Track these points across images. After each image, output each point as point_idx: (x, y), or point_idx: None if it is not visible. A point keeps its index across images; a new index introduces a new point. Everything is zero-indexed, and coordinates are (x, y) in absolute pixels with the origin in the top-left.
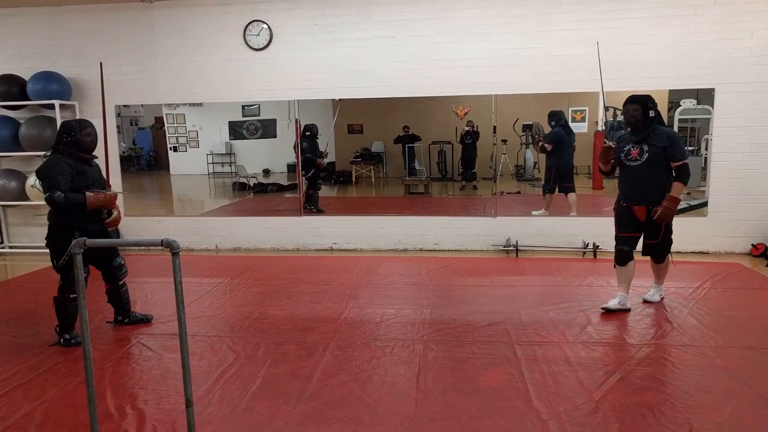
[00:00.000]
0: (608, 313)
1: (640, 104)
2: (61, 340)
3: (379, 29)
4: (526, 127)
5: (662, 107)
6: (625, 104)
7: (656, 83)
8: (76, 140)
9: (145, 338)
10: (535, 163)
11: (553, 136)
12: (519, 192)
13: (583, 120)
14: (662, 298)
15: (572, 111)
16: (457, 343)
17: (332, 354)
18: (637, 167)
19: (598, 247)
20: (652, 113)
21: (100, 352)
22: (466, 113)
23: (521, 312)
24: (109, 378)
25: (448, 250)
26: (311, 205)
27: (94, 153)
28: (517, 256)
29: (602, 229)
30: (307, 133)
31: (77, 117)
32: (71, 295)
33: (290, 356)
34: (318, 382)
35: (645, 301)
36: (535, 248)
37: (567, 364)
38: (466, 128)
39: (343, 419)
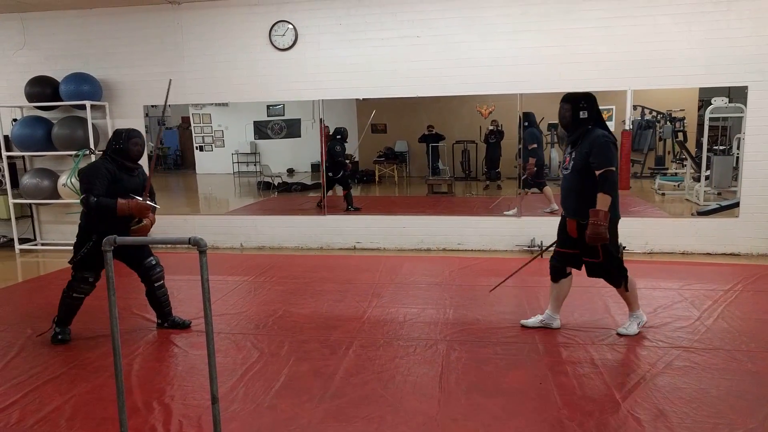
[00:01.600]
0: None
1: (569, 103)
2: (51, 333)
3: (403, 29)
4: (552, 127)
5: (692, 105)
6: (560, 102)
7: (686, 81)
8: (122, 148)
9: (171, 335)
10: (561, 163)
11: (533, 136)
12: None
13: (609, 119)
14: (641, 326)
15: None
16: (480, 344)
17: (355, 353)
18: (566, 176)
19: (624, 248)
20: (583, 114)
21: (127, 348)
22: (490, 112)
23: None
24: (136, 373)
25: (472, 250)
26: (348, 205)
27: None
28: (542, 257)
29: (628, 230)
30: (338, 136)
31: (107, 117)
32: (75, 294)
33: (313, 354)
34: (341, 381)
35: (619, 335)
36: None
37: (593, 366)
38: (491, 127)
39: (365, 418)
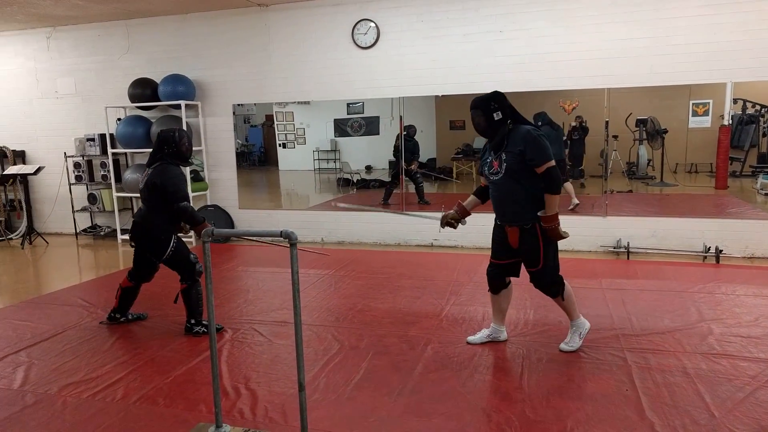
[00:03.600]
0: (472, 345)
1: (479, 109)
2: (202, 329)
3: (486, 24)
4: (640, 122)
5: None
6: (470, 110)
7: None
8: (176, 151)
9: (256, 325)
10: (649, 161)
11: (548, 135)
12: (631, 191)
13: (705, 114)
14: (584, 336)
15: (693, 104)
16: None
17: (433, 349)
18: (498, 181)
19: (721, 251)
20: (497, 115)
21: (217, 336)
22: (574, 108)
23: (632, 317)
24: (225, 360)
25: None
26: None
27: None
28: (628, 258)
29: (726, 232)
30: (404, 133)
31: (199, 116)
32: (198, 280)
33: (392, 349)
34: (419, 377)
35: (562, 351)
36: (648, 251)
37: (684, 375)
38: (574, 124)
39: (444, 414)
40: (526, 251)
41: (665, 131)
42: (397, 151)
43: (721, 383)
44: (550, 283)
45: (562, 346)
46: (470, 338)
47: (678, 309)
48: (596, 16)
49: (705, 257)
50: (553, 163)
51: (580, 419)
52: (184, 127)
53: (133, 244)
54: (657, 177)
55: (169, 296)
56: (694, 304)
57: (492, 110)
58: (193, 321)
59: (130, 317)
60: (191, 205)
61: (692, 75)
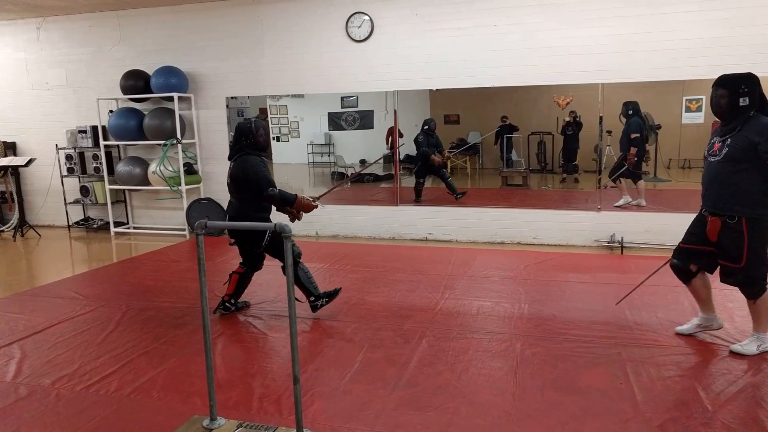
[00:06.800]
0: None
1: (726, 90)
2: (323, 301)
3: (480, 18)
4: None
5: None
6: (712, 86)
7: None
8: (254, 141)
9: (251, 318)
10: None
11: (636, 125)
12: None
13: (698, 110)
14: (762, 351)
15: (686, 100)
16: (556, 340)
17: (428, 343)
18: (713, 163)
19: None
20: (743, 101)
21: (211, 328)
22: (568, 103)
23: (626, 311)
24: (219, 352)
25: (548, 245)
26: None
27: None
28: (622, 253)
29: None
30: (425, 128)
31: (192, 108)
32: (300, 261)
33: (387, 342)
34: (414, 370)
35: (732, 353)
36: (642, 246)
37: (679, 369)
38: (568, 119)
39: (439, 408)
40: (726, 245)
41: (659, 127)
42: (419, 146)
43: (715, 377)
44: (751, 282)
45: (736, 346)
46: (679, 328)
47: (672, 303)
48: (591, 11)
49: None
50: None
51: (575, 413)
52: (177, 120)
53: (232, 240)
54: (651, 172)
55: (163, 288)
56: (688, 298)
57: (740, 94)
58: (312, 298)
59: (239, 305)
60: (279, 190)
61: (686, 70)
